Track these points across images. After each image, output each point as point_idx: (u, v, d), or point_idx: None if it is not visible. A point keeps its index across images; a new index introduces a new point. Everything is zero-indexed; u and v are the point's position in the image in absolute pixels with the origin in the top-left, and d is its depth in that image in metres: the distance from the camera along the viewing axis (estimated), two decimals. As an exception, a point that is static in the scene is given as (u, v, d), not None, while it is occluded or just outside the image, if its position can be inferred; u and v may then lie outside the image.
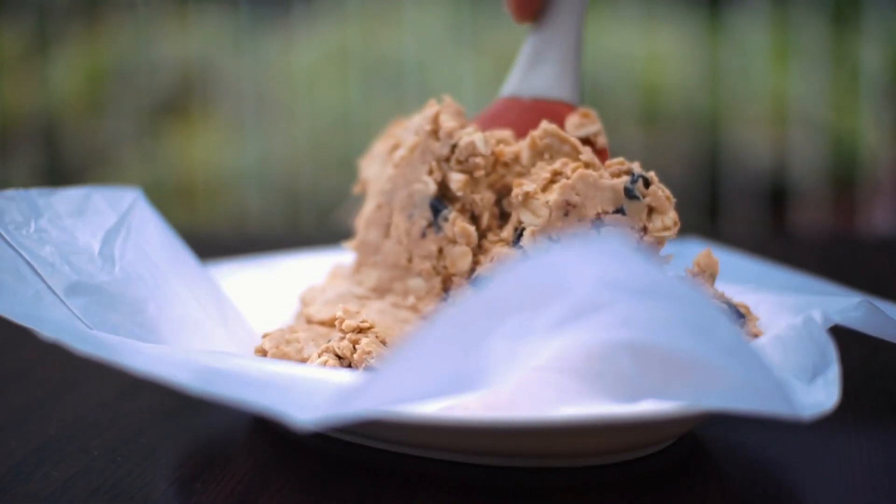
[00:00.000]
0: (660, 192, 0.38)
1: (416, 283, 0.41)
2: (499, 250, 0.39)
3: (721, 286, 0.41)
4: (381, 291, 0.42)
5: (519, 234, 0.39)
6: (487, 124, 0.43)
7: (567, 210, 0.38)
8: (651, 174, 0.39)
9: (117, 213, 0.40)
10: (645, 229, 0.38)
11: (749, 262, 0.50)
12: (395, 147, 0.43)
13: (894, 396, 0.41)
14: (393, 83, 1.39)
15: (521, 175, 0.41)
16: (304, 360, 0.38)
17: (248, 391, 0.31)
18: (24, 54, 1.45)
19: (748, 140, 1.35)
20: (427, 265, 0.41)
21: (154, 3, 1.43)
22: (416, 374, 0.29)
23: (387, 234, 0.42)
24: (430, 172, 0.41)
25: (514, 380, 0.31)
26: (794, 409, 0.30)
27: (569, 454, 0.34)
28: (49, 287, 0.36)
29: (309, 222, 1.39)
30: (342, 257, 0.48)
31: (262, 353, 0.39)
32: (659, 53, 1.37)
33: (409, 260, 0.41)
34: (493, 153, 0.41)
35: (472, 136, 0.40)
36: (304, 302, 0.43)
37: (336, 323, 0.38)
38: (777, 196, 1.36)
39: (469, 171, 0.41)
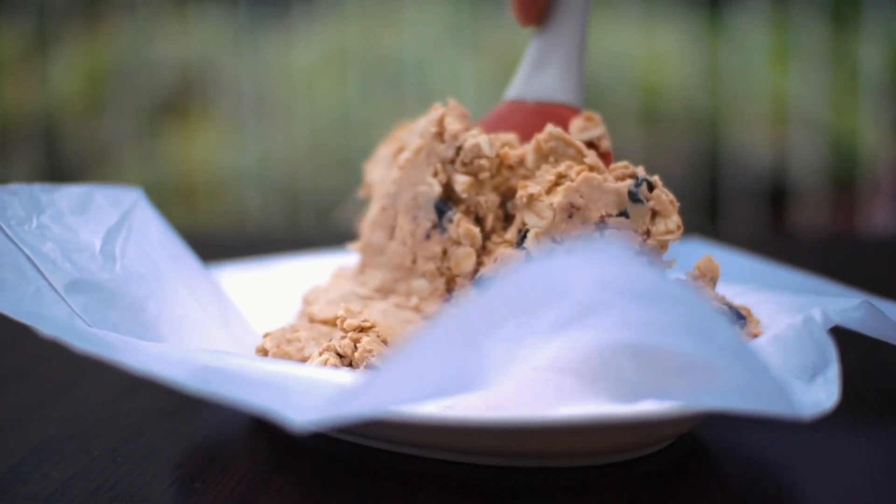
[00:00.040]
0: (663, 195, 0.38)
1: (419, 283, 0.41)
2: (502, 251, 0.40)
3: (722, 286, 0.41)
4: (384, 292, 0.42)
5: (523, 235, 0.39)
6: (491, 127, 0.43)
7: (571, 212, 0.39)
8: (655, 178, 0.39)
9: (119, 212, 0.40)
10: (648, 233, 0.39)
11: (750, 261, 0.50)
12: (400, 150, 0.43)
13: (894, 396, 0.41)
14: (392, 83, 1.39)
15: (525, 178, 0.41)
16: (305, 359, 0.38)
17: (245, 391, 0.31)
18: (23, 54, 1.45)
19: (748, 140, 1.35)
20: (431, 266, 0.41)
21: (153, 3, 1.43)
22: (413, 375, 0.29)
23: (391, 236, 0.42)
24: (435, 174, 0.41)
25: (514, 380, 0.31)
26: (793, 408, 0.30)
27: (569, 454, 0.34)
28: (50, 284, 0.36)
29: (309, 222, 1.39)
30: (346, 259, 0.48)
31: (263, 352, 0.39)
32: (659, 53, 1.37)
33: (414, 261, 0.41)
34: (497, 155, 0.41)
35: (478, 139, 0.40)
36: (307, 301, 0.43)
37: (337, 322, 0.38)
38: (777, 196, 1.36)
39: (474, 173, 0.41)
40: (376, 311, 0.40)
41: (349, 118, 1.39)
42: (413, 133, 0.43)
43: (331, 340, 0.38)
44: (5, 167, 1.43)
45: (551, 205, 0.39)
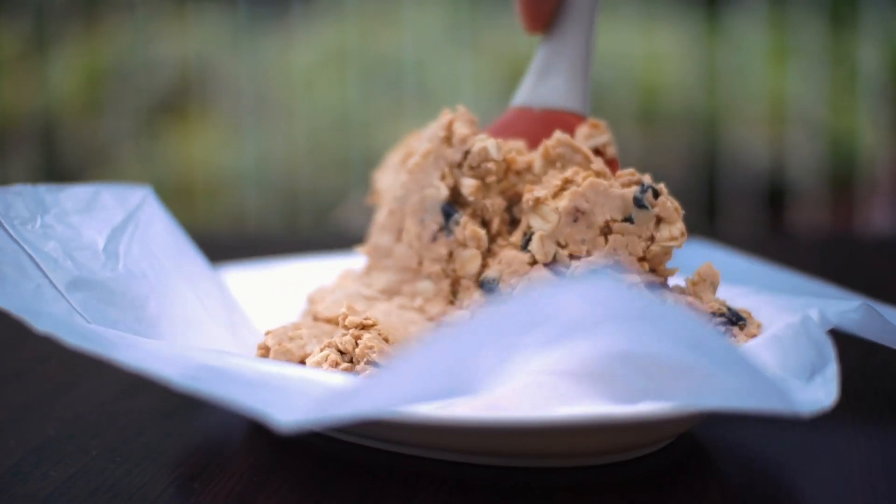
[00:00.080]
0: (668, 203, 0.39)
1: (424, 285, 0.41)
2: (507, 253, 0.40)
3: (721, 288, 0.41)
4: (389, 293, 0.42)
5: (528, 238, 0.40)
6: (498, 134, 0.43)
7: (576, 216, 0.39)
8: (661, 185, 0.39)
9: (125, 211, 0.40)
10: (652, 238, 0.39)
11: (749, 262, 0.50)
12: (409, 156, 0.43)
13: (893, 397, 0.41)
14: (392, 83, 1.39)
15: (532, 183, 0.41)
16: (306, 356, 0.38)
17: (236, 390, 0.31)
18: (22, 54, 1.45)
19: (746, 140, 1.35)
20: (436, 268, 0.41)
21: (152, 3, 1.43)
22: (406, 379, 0.29)
23: (398, 239, 0.42)
24: (443, 178, 0.41)
25: (512, 383, 0.31)
26: (792, 407, 0.30)
27: (569, 454, 0.34)
28: (50, 281, 0.36)
29: (307, 222, 1.39)
30: (352, 261, 0.48)
31: (265, 349, 0.39)
32: (657, 53, 1.37)
33: (420, 263, 0.42)
34: (505, 160, 0.41)
35: (485, 142, 0.41)
36: (312, 301, 0.43)
37: (339, 319, 0.38)
38: (775, 196, 1.36)
39: (481, 177, 0.41)
40: (379, 312, 0.40)
41: (348, 118, 1.39)
42: (421, 139, 0.43)
43: (332, 338, 0.38)
44: (4, 167, 1.43)
45: (557, 209, 0.39)
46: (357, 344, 0.37)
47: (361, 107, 1.39)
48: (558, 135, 0.41)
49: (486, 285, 0.40)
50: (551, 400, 0.32)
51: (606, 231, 0.39)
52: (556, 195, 0.40)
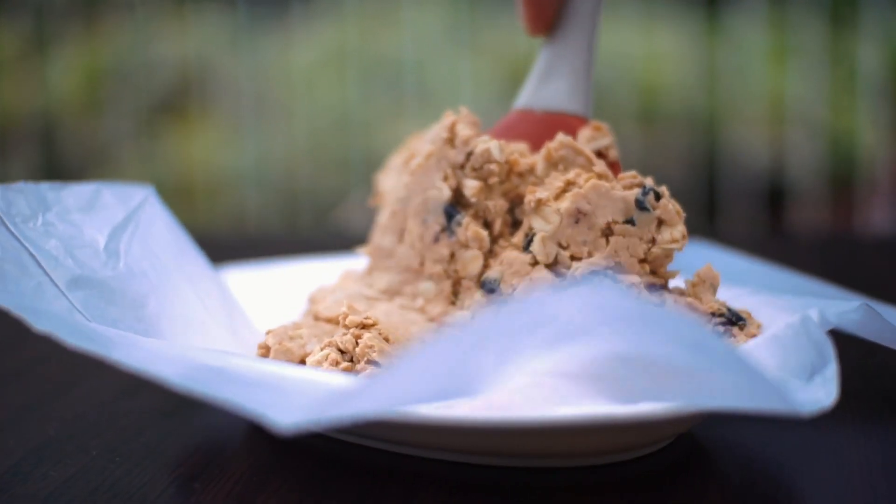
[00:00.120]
0: (670, 205, 0.39)
1: (425, 286, 0.41)
2: (508, 254, 0.40)
3: (721, 289, 0.41)
4: (390, 293, 0.42)
5: (529, 239, 0.40)
6: (500, 136, 0.43)
7: (578, 217, 0.39)
8: (663, 188, 0.39)
9: (126, 210, 0.40)
10: (653, 241, 0.39)
11: (749, 262, 0.50)
12: (411, 158, 0.43)
13: (892, 397, 0.41)
14: (391, 83, 1.39)
15: (534, 185, 0.41)
16: (306, 356, 0.38)
17: (234, 391, 0.31)
18: (22, 54, 1.45)
19: (746, 140, 1.35)
20: (438, 269, 0.41)
21: (152, 3, 1.43)
22: (405, 381, 0.29)
23: (400, 240, 0.43)
24: (446, 179, 0.41)
25: (511, 384, 0.31)
26: (792, 406, 0.30)
27: (569, 454, 0.34)
28: (51, 279, 0.36)
29: (307, 222, 1.39)
30: (353, 261, 0.48)
31: (266, 348, 0.39)
32: (657, 53, 1.37)
33: (421, 263, 0.42)
34: (507, 161, 0.41)
35: (488, 144, 0.41)
36: (313, 301, 0.43)
37: (340, 318, 0.38)
38: (775, 196, 1.36)
39: (484, 178, 0.41)
40: (380, 312, 0.40)
41: (348, 118, 1.39)
42: (424, 141, 0.43)
43: (333, 337, 0.38)
44: (4, 167, 1.43)
45: (558, 210, 0.39)
46: (357, 343, 0.37)
47: (361, 107, 1.39)
48: (561, 137, 0.41)
49: (486, 285, 0.40)
50: (551, 400, 0.32)
51: (608, 233, 0.39)
52: (557, 197, 0.40)
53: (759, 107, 1.36)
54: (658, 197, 0.39)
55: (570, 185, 0.40)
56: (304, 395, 0.31)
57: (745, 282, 0.44)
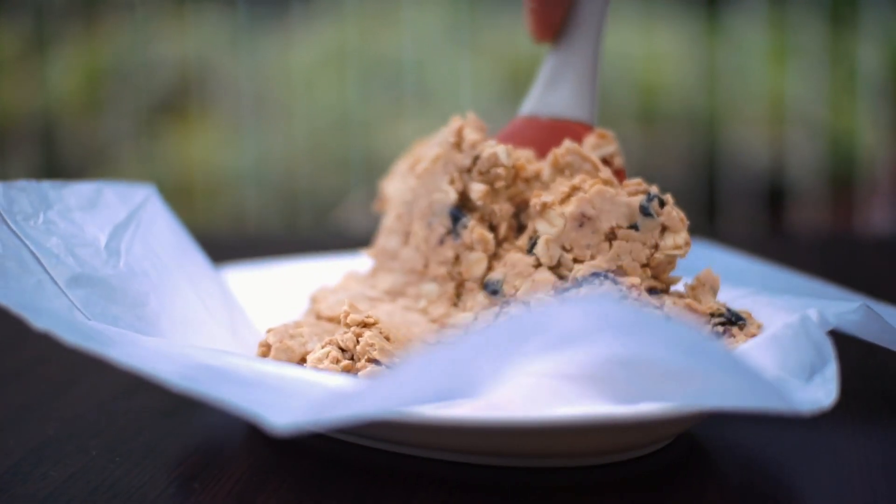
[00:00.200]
0: (674, 212, 0.39)
1: (429, 287, 0.42)
2: (511, 256, 0.40)
3: (722, 288, 0.41)
4: (393, 294, 0.42)
5: (533, 242, 0.40)
6: (505, 142, 0.44)
7: (582, 221, 0.39)
8: (667, 196, 0.40)
9: (128, 209, 0.40)
10: (656, 246, 0.39)
11: (749, 262, 0.50)
12: (416, 163, 0.44)
13: (892, 397, 0.41)
14: (391, 83, 1.39)
15: (540, 190, 0.41)
16: (307, 354, 0.38)
17: (232, 391, 0.31)
18: (22, 54, 1.45)
19: (746, 140, 1.35)
20: (442, 271, 0.41)
21: (152, 3, 1.43)
22: (404, 382, 0.29)
23: (405, 242, 0.43)
24: (452, 182, 0.41)
25: (511, 385, 0.32)
26: (792, 406, 0.30)
27: (569, 454, 0.34)
28: (51, 277, 0.36)
29: (307, 222, 1.39)
30: (356, 262, 0.48)
31: (266, 346, 0.39)
32: (657, 53, 1.37)
33: (426, 266, 0.42)
34: (514, 166, 0.41)
35: (495, 148, 0.41)
36: (315, 300, 0.44)
37: (341, 317, 0.38)
38: (775, 196, 1.36)
39: (490, 182, 0.41)
40: (382, 312, 0.41)
41: (348, 118, 1.39)
42: (430, 145, 0.43)
43: (334, 336, 0.38)
44: (4, 167, 1.43)
45: (563, 213, 0.39)
46: (358, 341, 0.37)
47: (361, 107, 1.39)
48: (568, 143, 0.41)
49: (489, 287, 0.40)
50: (551, 400, 0.32)
51: (611, 237, 0.39)
52: (563, 201, 0.40)
53: (759, 107, 1.36)
54: (662, 204, 0.39)
55: (575, 189, 0.40)
56: (302, 395, 0.31)
57: (745, 282, 0.44)
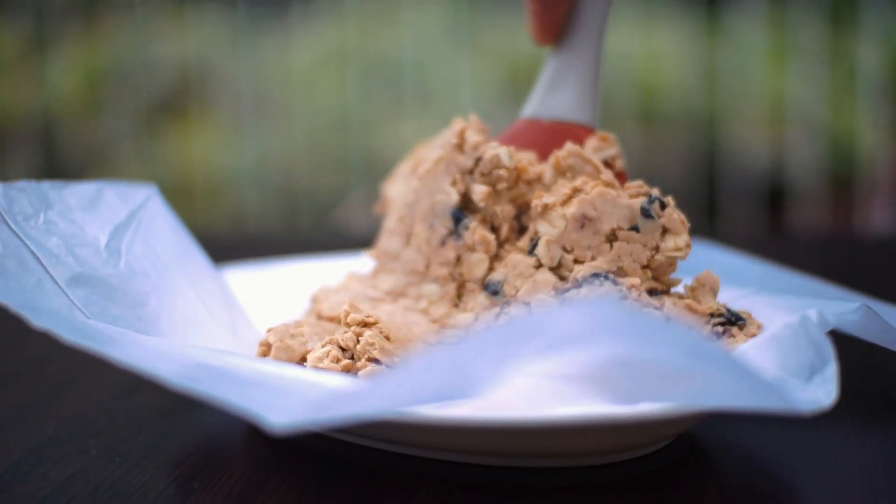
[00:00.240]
0: (675, 215, 0.40)
1: (430, 288, 0.42)
2: (513, 257, 0.40)
3: (721, 289, 0.41)
4: (394, 295, 0.42)
5: (534, 243, 0.40)
6: (507, 144, 0.44)
7: (583, 223, 0.39)
8: (668, 198, 0.40)
9: (128, 209, 0.40)
10: (657, 248, 0.39)
11: (749, 262, 0.50)
12: (418, 166, 0.44)
13: (891, 397, 0.41)
14: (391, 83, 1.39)
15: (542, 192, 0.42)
16: (307, 353, 0.38)
17: (231, 390, 0.31)
18: (22, 54, 1.45)
19: (746, 140, 1.35)
20: (444, 271, 0.41)
21: (152, 3, 1.43)
22: (403, 383, 0.29)
23: (407, 243, 0.43)
24: (454, 184, 0.41)
25: (511, 385, 0.32)
26: (792, 406, 0.30)
27: (569, 454, 0.34)
28: (51, 277, 0.36)
29: (307, 222, 1.39)
30: (357, 262, 0.48)
31: (266, 345, 0.39)
32: (657, 53, 1.37)
33: (427, 267, 0.42)
34: (516, 168, 0.41)
35: (497, 150, 0.41)
36: (316, 300, 0.44)
37: (341, 316, 0.38)
38: (775, 196, 1.36)
39: (492, 184, 0.41)
40: (383, 313, 0.41)
41: (348, 118, 1.39)
42: (433, 147, 0.43)
43: (334, 335, 0.38)
44: (4, 167, 1.43)
45: (564, 215, 0.40)
46: (358, 341, 0.37)
47: (361, 107, 1.39)
48: (569, 146, 0.41)
49: (490, 287, 0.40)
50: (551, 400, 0.32)
51: (612, 238, 0.40)
52: (564, 203, 0.40)
53: (759, 107, 1.36)
54: (663, 206, 0.40)
55: (576, 191, 0.40)
56: (301, 395, 0.31)
57: (745, 282, 0.44)
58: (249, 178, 1.41)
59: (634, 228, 0.39)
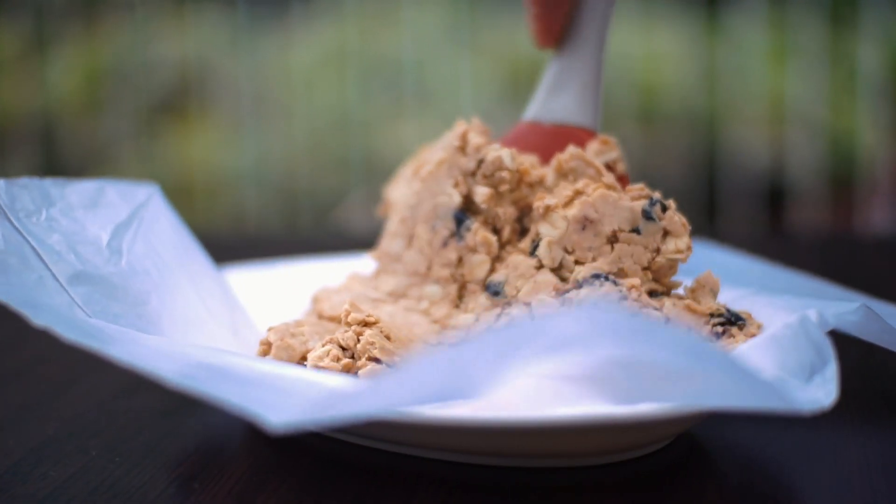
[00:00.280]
0: (676, 217, 0.40)
1: (432, 289, 0.42)
2: (514, 258, 0.40)
3: (722, 289, 0.41)
4: (396, 296, 0.42)
5: (536, 244, 0.40)
6: (508, 147, 0.44)
7: (585, 224, 0.40)
8: (670, 201, 0.40)
9: (130, 208, 0.40)
10: (658, 250, 0.39)
11: (750, 262, 0.50)
12: (420, 168, 0.44)
13: (891, 396, 0.41)
14: (391, 83, 1.39)
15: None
16: (307, 353, 0.38)
17: (230, 389, 0.31)
18: (22, 54, 1.45)
19: (746, 140, 1.35)
20: (445, 273, 0.41)
21: (152, 3, 1.43)
22: (402, 383, 0.29)
23: (409, 245, 0.43)
24: (456, 185, 0.42)
25: (510, 386, 0.32)
26: (792, 406, 0.30)
27: (569, 454, 0.34)
28: (52, 274, 0.36)
29: (307, 222, 1.39)
30: (356, 262, 0.48)
31: (267, 344, 0.39)
32: (657, 53, 1.37)
33: (429, 268, 0.42)
34: (518, 170, 0.42)
35: (500, 152, 0.41)
36: (317, 300, 0.44)
37: (342, 315, 0.38)
38: (775, 196, 1.36)
39: (494, 186, 0.41)
40: (384, 313, 0.41)
41: (348, 118, 1.39)
42: (435, 149, 0.43)
43: (335, 334, 0.38)
44: (4, 167, 1.43)
45: (566, 216, 0.40)
46: (359, 340, 0.37)
47: (361, 107, 1.39)
48: (572, 149, 0.41)
49: (491, 288, 0.40)
50: (551, 401, 0.32)
51: (613, 240, 0.40)
52: (566, 205, 0.40)
53: (759, 107, 1.36)
54: (664, 209, 0.40)
55: (578, 194, 0.40)
56: (300, 395, 0.31)
57: (745, 282, 0.44)
58: (249, 178, 1.41)
59: (635, 230, 0.39)
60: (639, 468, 0.35)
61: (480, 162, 0.42)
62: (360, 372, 0.37)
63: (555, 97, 0.44)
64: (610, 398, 0.31)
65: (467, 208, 0.42)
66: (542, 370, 0.31)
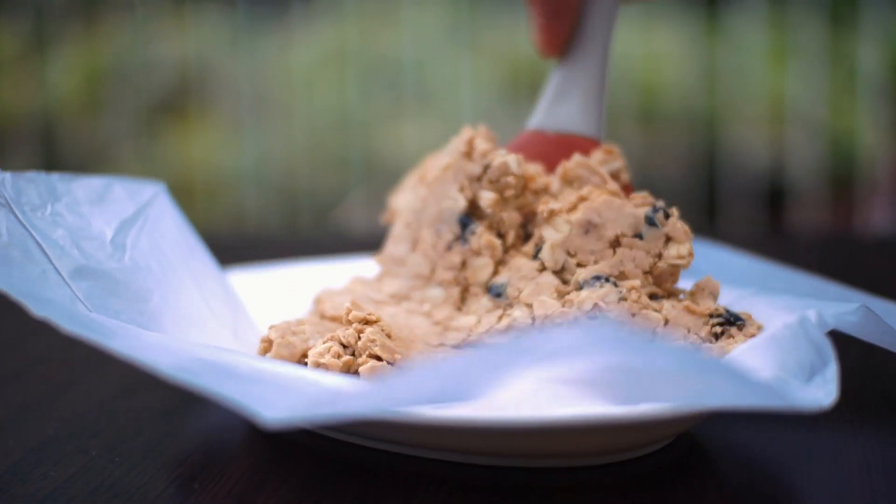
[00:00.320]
0: (679, 224, 0.40)
1: (435, 292, 0.42)
2: (516, 261, 0.40)
3: (723, 288, 0.41)
4: (398, 298, 0.43)
5: (539, 248, 0.40)
6: None
7: (588, 228, 0.40)
8: (673, 209, 0.40)
9: (136, 205, 0.40)
10: (660, 255, 0.40)
11: (749, 262, 0.50)
12: (425, 176, 0.44)
13: (891, 397, 0.41)
14: (391, 83, 1.39)
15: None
16: (308, 351, 0.38)
17: (227, 385, 0.31)
18: (22, 54, 1.45)
19: (746, 140, 1.35)
20: (449, 276, 0.42)
21: (152, 3, 1.43)
22: (402, 384, 0.29)
23: (414, 249, 0.43)
24: (462, 190, 0.42)
25: (511, 387, 0.32)
26: (792, 406, 0.30)
27: (569, 454, 0.34)
28: (55, 268, 0.36)
29: (307, 222, 1.39)
30: (358, 264, 0.48)
31: (268, 342, 0.39)
32: (657, 53, 1.37)
33: (432, 271, 0.42)
34: (523, 176, 0.42)
35: (506, 157, 0.41)
36: (319, 300, 0.44)
37: (343, 314, 0.38)
38: (775, 196, 1.36)
39: (500, 191, 0.42)
40: (386, 314, 0.41)
41: (348, 118, 1.39)
42: (442, 155, 0.44)
43: (336, 332, 0.38)
44: (4, 167, 1.43)
45: (569, 220, 0.40)
46: (359, 338, 0.37)
47: (361, 107, 1.39)
48: (577, 157, 0.42)
49: (493, 290, 0.41)
50: (551, 401, 0.32)
51: (616, 245, 0.40)
52: (570, 210, 0.40)
53: (759, 107, 1.36)
54: (667, 216, 0.40)
55: (582, 200, 0.41)
56: (298, 392, 0.31)
57: (745, 282, 0.44)
58: (249, 178, 1.41)
59: (638, 236, 0.40)
60: (639, 468, 0.35)
61: (486, 167, 0.42)
62: (360, 369, 0.37)
63: (558, 106, 0.44)
64: (610, 399, 0.32)
65: (472, 213, 0.42)
66: (543, 374, 0.32)
